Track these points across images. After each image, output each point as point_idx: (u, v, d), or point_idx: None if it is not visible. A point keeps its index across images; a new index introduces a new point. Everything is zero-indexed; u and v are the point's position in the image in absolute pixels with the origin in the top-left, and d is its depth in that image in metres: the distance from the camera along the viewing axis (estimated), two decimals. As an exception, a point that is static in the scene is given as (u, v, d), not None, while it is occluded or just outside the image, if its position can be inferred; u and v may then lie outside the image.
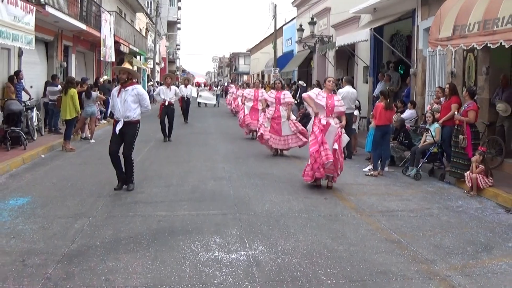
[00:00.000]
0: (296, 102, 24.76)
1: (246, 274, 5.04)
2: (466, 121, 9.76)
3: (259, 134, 13.56)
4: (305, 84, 26.07)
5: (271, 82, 27.30)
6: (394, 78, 17.86)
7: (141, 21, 42.53)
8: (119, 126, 8.71)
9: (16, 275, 4.94)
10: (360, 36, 16.83)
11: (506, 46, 8.78)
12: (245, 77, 71.52)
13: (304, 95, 9.72)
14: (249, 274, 5.05)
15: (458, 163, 9.92)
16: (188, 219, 6.99)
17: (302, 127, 13.31)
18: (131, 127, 8.79)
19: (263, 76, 49.14)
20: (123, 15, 31.63)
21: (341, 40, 18.71)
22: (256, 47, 58.07)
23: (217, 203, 8.00)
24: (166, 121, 15.99)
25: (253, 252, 5.68)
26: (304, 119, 17.87)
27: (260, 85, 20.21)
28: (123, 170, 8.87)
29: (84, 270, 5.05)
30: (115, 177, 8.84)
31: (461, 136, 9.82)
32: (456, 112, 10.16)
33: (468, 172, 9.36)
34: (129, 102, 8.70)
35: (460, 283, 4.96)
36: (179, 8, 74.84)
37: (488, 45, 9.12)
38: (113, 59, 24.99)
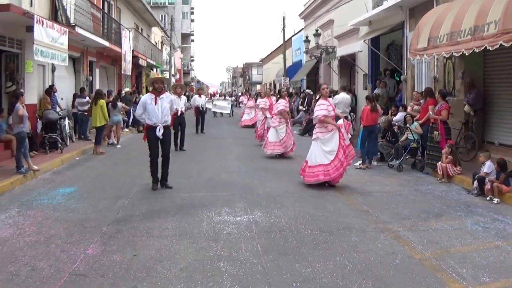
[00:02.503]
0: (304, 108, 26.61)
1: (247, 228, 6.97)
2: (440, 119, 11.51)
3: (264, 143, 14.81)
4: (312, 92, 27.85)
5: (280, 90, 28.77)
6: (390, 85, 19.56)
7: (156, 35, 44.59)
8: (160, 131, 9.63)
9: (79, 232, 6.82)
10: (356, 48, 18.66)
11: (466, 54, 10.55)
12: (258, 87, 73.26)
13: (320, 117, 10.02)
14: (249, 228, 6.97)
15: (433, 155, 11.66)
16: (204, 198, 8.94)
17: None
18: (168, 130, 9.91)
19: (275, 85, 50.90)
20: (140, 30, 33.61)
21: (340, 51, 20.56)
22: (268, 57, 59.94)
23: (227, 188, 9.95)
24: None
25: (253, 216, 7.61)
26: (309, 124, 19.65)
27: (271, 93, 21.43)
28: (161, 170, 9.90)
29: (129, 228, 6.96)
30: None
31: (436, 132, 11.56)
32: (430, 112, 11.89)
33: (439, 162, 11.10)
34: (167, 108, 9.75)
35: (405, 235, 6.74)
36: (192, 21, 77.08)
37: (453, 53, 10.87)
38: (129, 73, 26.87)
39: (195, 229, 6.94)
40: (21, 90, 12.16)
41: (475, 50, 10.02)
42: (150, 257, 5.74)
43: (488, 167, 9.54)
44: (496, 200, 8.92)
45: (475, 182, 9.60)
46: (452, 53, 10.88)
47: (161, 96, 9.77)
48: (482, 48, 9.72)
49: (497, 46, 9.28)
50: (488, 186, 9.23)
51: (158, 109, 9.63)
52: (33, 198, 9.13)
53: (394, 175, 11.69)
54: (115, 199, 8.89)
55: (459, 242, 6.51)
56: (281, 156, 14.61)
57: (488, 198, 9.10)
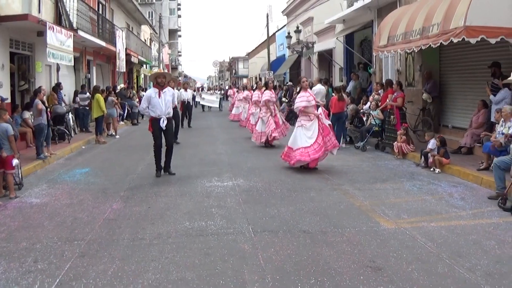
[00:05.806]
0: (286, 100, 28.56)
1: (231, 189, 9.14)
2: (395, 105, 13.59)
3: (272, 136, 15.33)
4: (293, 85, 29.85)
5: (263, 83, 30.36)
6: (363, 77, 21.61)
7: (145, 32, 46.26)
8: (164, 123, 10.42)
9: (103, 196, 8.84)
10: (330, 44, 20.69)
11: (416, 51, 12.63)
12: (244, 80, 74.89)
13: (301, 108, 11.06)
14: (233, 189, 9.13)
15: (391, 136, 13.74)
16: (198, 172, 11.06)
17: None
18: (171, 121, 10.85)
19: (260, 78, 52.66)
20: (130, 29, 35.33)
21: (317, 47, 22.58)
22: (253, 52, 61.87)
23: (217, 165, 12.06)
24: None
25: (237, 182, 9.79)
26: (290, 114, 21.61)
27: (262, 85, 22.30)
28: (164, 159, 10.79)
29: (141, 192, 9.05)
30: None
31: (392, 116, 13.65)
32: (388, 100, 13.96)
33: (395, 142, 13.16)
34: (169, 101, 10.59)
35: (352, 192, 8.84)
36: (179, 17, 78.45)
37: (406, 50, 12.91)
38: (124, 70, 28.74)
39: (192, 190, 9.08)
40: (41, 86, 13.89)
41: (422, 48, 12.01)
42: (160, 208, 7.85)
43: (431, 144, 11.58)
44: (437, 170, 10.96)
45: (422, 157, 11.66)
46: (405, 49, 12.93)
47: (164, 90, 10.58)
48: (428, 46, 11.71)
49: (438, 44, 11.28)
50: (430, 159, 11.29)
51: (161, 102, 10.41)
52: (56, 177, 11.06)
53: (358, 154, 13.75)
54: (125, 175, 10.91)
55: (393, 196, 8.59)
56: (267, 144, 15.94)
57: (431, 169, 11.13)
